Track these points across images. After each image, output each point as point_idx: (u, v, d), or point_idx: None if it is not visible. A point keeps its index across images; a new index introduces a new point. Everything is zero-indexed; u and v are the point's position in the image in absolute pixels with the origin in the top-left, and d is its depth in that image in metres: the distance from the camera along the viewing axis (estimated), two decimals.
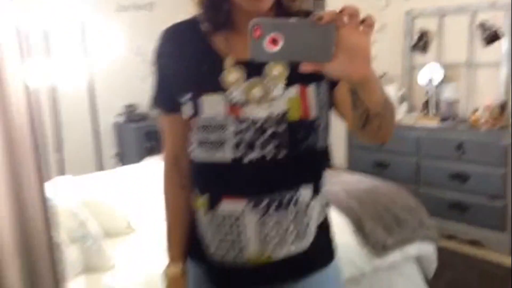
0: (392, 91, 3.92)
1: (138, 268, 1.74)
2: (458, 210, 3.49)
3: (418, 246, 2.38)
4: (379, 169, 3.84)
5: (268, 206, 1.07)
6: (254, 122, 1.04)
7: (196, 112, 1.05)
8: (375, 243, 2.16)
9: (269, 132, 1.05)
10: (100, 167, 4.14)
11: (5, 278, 0.49)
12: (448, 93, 3.68)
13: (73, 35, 4.04)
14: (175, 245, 1.19)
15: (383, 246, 2.18)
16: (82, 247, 1.66)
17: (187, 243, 1.18)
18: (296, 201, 1.09)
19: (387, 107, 0.97)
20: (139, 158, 3.78)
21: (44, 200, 0.51)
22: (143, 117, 4.47)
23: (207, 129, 1.06)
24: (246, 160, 1.05)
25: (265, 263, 1.10)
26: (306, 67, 0.81)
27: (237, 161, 1.05)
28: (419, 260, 2.48)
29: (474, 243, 3.46)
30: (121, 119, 4.45)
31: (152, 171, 3.03)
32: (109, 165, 4.22)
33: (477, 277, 3.05)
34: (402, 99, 3.99)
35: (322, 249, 1.18)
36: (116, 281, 1.65)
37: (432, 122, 3.58)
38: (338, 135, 4.11)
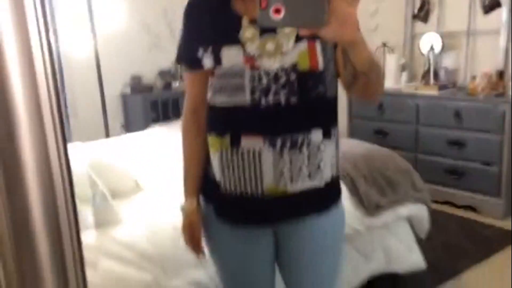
0: (393, 60, 3.98)
1: (144, 223, 1.87)
2: (454, 176, 3.59)
3: (410, 208, 2.49)
4: (378, 137, 3.93)
5: (283, 145, 1.22)
6: (267, 72, 1.21)
7: (217, 62, 1.22)
8: (369, 203, 2.27)
9: (281, 81, 1.21)
10: (107, 134, 4.26)
11: (33, 232, 0.56)
12: (447, 61, 3.74)
13: (79, 6, 4.11)
14: (190, 184, 1.37)
15: (376, 207, 2.29)
16: (91, 205, 1.78)
17: (200, 183, 1.35)
18: (309, 143, 1.24)
19: (373, 69, 1.13)
20: (144, 128, 3.89)
21: (67, 161, 0.56)
22: (148, 88, 4.57)
23: (228, 76, 1.23)
24: (262, 103, 1.22)
25: (280, 196, 1.25)
26: (303, 32, 0.96)
27: (255, 104, 1.22)
28: (412, 221, 2.58)
29: (469, 208, 3.57)
30: (127, 90, 4.55)
31: (157, 136, 3.16)
32: (116, 133, 4.34)
33: (469, 240, 3.17)
34: (403, 68, 4.05)
35: (335, 191, 1.37)
36: (123, 233, 1.78)
37: (431, 91, 3.65)
38: (339, 105, 4.19)
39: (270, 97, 1.22)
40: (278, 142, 1.22)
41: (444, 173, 3.64)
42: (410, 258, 2.58)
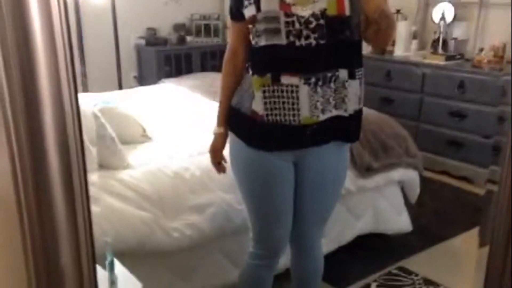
0: (404, 27, 4.00)
1: (148, 168, 2.01)
2: (453, 147, 3.68)
3: (402, 172, 2.61)
4: (384, 104, 3.99)
5: (316, 82, 1.47)
6: (299, 17, 1.43)
7: (258, 10, 1.46)
8: (361, 165, 2.39)
9: (311, 25, 1.43)
10: (120, 86, 4.38)
11: (48, 169, 0.64)
12: (458, 32, 3.76)
13: None
14: (222, 113, 1.67)
15: (367, 169, 2.41)
16: (100, 146, 1.92)
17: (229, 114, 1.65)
18: (336, 79, 1.49)
19: (383, 17, 1.40)
20: (157, 82, 4.00)
21: (77, 104, 0.63)
22: (163, 41, 4.65)
23: (267, 20, 1.45)
24: (297, 44, 1.44)
25: (313, 123, 1.51)
26: None
27: (290, 45, 1.45)
28: (403, 185, 2.71)
29: (464, 179, 3.67)
30: (142, 41, 4.64)
31: (168, 91, 3.28)
32: (129, 85, 4.46)
33: (461, 209, 3.29)
34: (414, 35, 4.07)
35: (356, 123, 1.61)
36: (127, 175, 1.93)
37: (438, 60, 3.69)
38: None
39: (302, 40, 1.44)
40: (312, 79, 1.47)
41: (443, 143, 3.72)
42: (398, 220, 2.73)
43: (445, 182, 3.68)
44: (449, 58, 3.66)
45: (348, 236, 2.54)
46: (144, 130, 2.36)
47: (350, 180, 2.39)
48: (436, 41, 3.86)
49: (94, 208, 1.71)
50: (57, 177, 0.70)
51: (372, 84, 4.16)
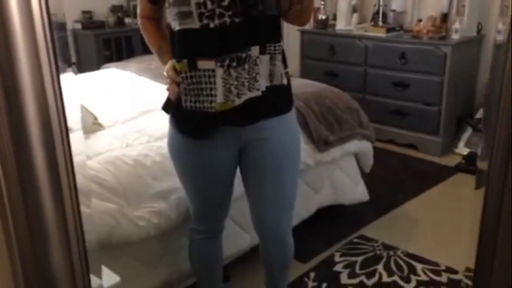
0: (345, 1, 4.06)
1: (107, 158, 1.93)
2: (398, 116, 3.81)
3: (356, 144, 2.67)
4: (329, 78, 4.06)
5: (229, 64, 1.44)
6: None
7: None
8: (318, 139, 2.43)
9: (225, 2, 1.39)
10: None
11: (32, 155, 0.62)
12: (396, 4, 3.86)
13: None
14: (165, 56, 1.60)
15: (325, 143, 2.45)
16: None
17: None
18: (249, 58, 1.46)
19: None
20: (98, 67, 3.83)
21: (60, 88, 0.62)
22: (101, 24, 4.46)
23: (177, 4, 1.42)
24: (211, 26, 1.40)
25: (228, 109, 1.48)
26: None
27: (204, 28, 1.41)
28: (358, 157, 2.78)
29: (410, 146, 3.83)
30: (78, 26, 4.43)
31: (114, 76, 3.15)
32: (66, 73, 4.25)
33: (409, 175, 3.44)
34: (354, 9, 4.15)
35: (274, 98, 1.55)
36: (88, 167, 1.85)
37: (379, 32, 3.78)
38: (292, 47, 4.27)
39: (216, 20, 1.40)
40: (226, 61, 1.43)
41: (389, 113, 3.85)
42: (355, 191, 2.80)
43: (392, 150, 3.82)
44: (389, 30, 3.76)
45: (309, 210, 2.58)
46: (95, 118, 2.27)
47: (309, 155, 2.42)
48: (376, 14, 3.95)
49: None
50: (44, 177, 0.65)
51: (316, 58, 4.22)
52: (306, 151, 2.40)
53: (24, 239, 0.68)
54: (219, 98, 1.46)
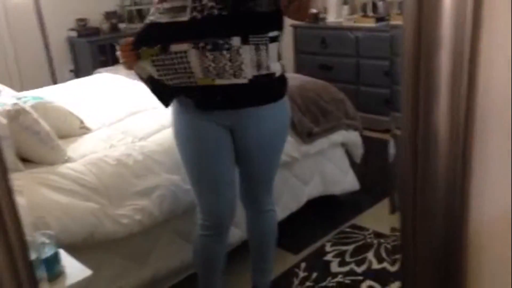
0: None
1: (90, 159, 1.98)
2: (392, 105, 3.80)
3: (343, 134, 2.69)
4: (323, 71, 4.07)
5: (204, 46, 1.52)
6: None
7: None
8: (302, 131, 2.45)
9: None
10: (54, 81, 4.25)
11: None
12: None
13: None
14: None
15: (309, 134, 2.47)
16: (36, 143, 1.88)
17: None
18: (230, 47, 1.52)
19: None
20: (92, 73, 3.90)
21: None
22: (95, 31, 4.53)
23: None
24: (198, 18, 1.49)
25: (210, 84, 1.57)
26: None
27: (191, 20, 1.50)
28: (347, 147, 2.80)
29: None
30: (74, 33, 4.50)
31: (103, 80, 3.21)
32: (65, 80, 4.33)
33: None
34: (345, 1, 4.15)
35: (261, 87, 1.63)
36: (70, 169, 1.90)
37: (369, 23, 3.78)
38: (285, 41, 4.28)
39: (205, 12, 1.49)
40: (201, 44, 1.51)
41: (383, 103, 3.85)
42: (345, 181, 2.82)
43: (387, 139, 3.81)
44: (379, 20, 3.76)
45: (298, 202, 2.61)
46: (81, 122, 2.32)
47: (293, 147, 2.44)
48: (365, 5, 3.95)
49: (36, 203, 1.69)
50: None
51: (309, 52, 4.24)
52: (290, 144, 2.42)
53: None
54: (198, 74, 1.56)
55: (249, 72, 1.58)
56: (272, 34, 1.59)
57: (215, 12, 1.49)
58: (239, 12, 1.51)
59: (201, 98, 1.63)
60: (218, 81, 1.57)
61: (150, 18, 1.59)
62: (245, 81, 1.58)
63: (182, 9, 1.50)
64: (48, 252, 1.22)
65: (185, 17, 1.50)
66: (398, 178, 0.79)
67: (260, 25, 1.58)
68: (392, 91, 3.60)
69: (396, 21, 3.55)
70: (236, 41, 1.53)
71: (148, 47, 1.57)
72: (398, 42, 3.54)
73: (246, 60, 1.56)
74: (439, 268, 0.75)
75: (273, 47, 1.61)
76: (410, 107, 0.70)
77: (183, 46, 1.53)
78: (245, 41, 1.54)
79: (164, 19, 1.54)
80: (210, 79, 1.57)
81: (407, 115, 0.71)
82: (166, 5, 1.53)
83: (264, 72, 1.61)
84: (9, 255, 0.72)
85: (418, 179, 0.74)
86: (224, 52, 1.53)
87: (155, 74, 1.60)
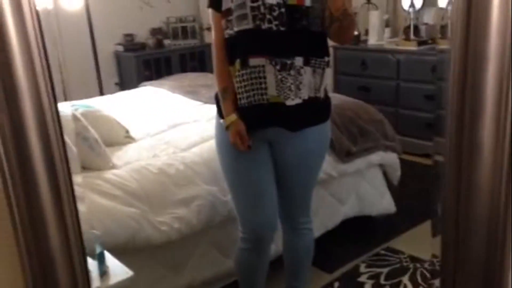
0: (376, 16, 4.09)
1: (133, 167, 2.05)
2: (432, 129, 3.76)
3: (381, 155, 2.68)
4: (362, 92, 4.08)
5: (275, 65, 1.59)
6: (264, 4, 1.57)
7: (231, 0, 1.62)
8: (340, 150, 2.46)
9: (275, 13, 1.57)
10: (101, 92, 4.41)
11: (35, 173, 0.69)
12: (427, 17, 3.86)
13: None
14: (228, 103, 1.70)
15: (347, 153, 2.48)
16: (84, 148, 1.96)
17: (234, 102, 1.69)
18: (293, 67, 1.60)
19: (346, 17, 1.55)
20: (137, 86, 4.03)
21: (56, 107, 0.69)
22: (141, 46, 4.69)
23: (237, 9, 1.60)
24: (263, 27, 1.58)
25: (281, 103, 1.63)
26: None
27: (257, 27, 1.59)
28: (385, 168, 2.78)
29: None
30: (120, 48, 4.67)
31: (147, 93, 3.32)
32: (110, 92, 4.48)
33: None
34: (387, 24, 4.17)
35: (314, 108, 1.70)
36: (113, 175, 1.97)
37: (411, 46, 3.78)
38: None
39: (266, 23, 1.58)
40: (274, 62, 1.59)
41: (422, 127, 3.81)
42: (382, 202, 2.80)
43: (427, 164, 3.77)
44: (421, 43, 3.75)
45: (334, 221, 2.60)
46: (127, 132, 2.41)
47: (331, 166, 2.45)
48: (407, 28, 3.95)
49: (80, 207, 1.75)
50: (44, 179, 0.74)
51: (349, 74, 4.25)
52: (328, 162, 2.43)
53: (28, 232, 0.77)
54: (271, 91, 1.62)
55: (305, 93, 1.64)
56: (327, 59, 1.68)
57: (274, 27, 1.58)
58: (295, 29, 1.59)
59: (255, 116, 1.67)
60: (287, 102, 1.62)
61: (227, 32, 1.67)
62: (300, 101, 1.64)
63: (245, 16, 1.59)
64: (96, 250, 1.28)
65: (249, 25, 1.59)
66: (440, 201, 0.79)
67: (318, 46, 1.66)
68: (436, 116, 3.56)
69: (441, 45, 3.54)
70: (298, 61, 1.61)
71: (231, 64, 1.66)
72: (443, 66, 3.52)
73: (305, 81, 1.63)
74: None
75: (327, 71, 1.69)
76: (454, 127, 0.72)
77: (261, 60, 1.61)
78: (306, 63, 1.62)
79: (234, 27, 1.63)
80: (282, 97, 1.62)
81: (450, 132, 0.72)
82: (235, 13, 1.62)
83: (317, 95, 1.68)
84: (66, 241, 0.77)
85: (461, 201, 0.75)
86: (292, 71, 1.61)
87: (237, 92, 1.67)
